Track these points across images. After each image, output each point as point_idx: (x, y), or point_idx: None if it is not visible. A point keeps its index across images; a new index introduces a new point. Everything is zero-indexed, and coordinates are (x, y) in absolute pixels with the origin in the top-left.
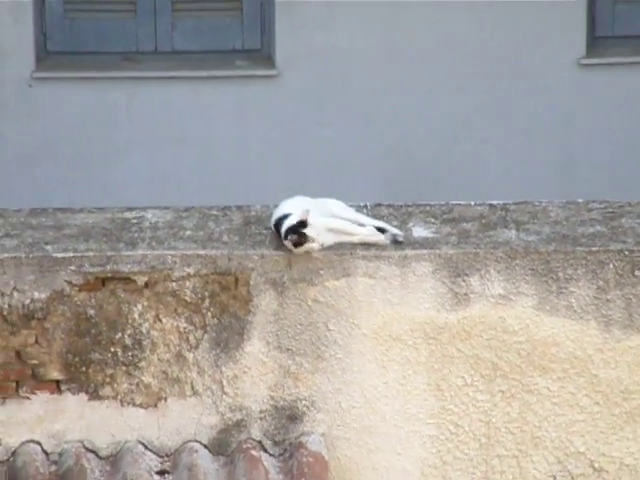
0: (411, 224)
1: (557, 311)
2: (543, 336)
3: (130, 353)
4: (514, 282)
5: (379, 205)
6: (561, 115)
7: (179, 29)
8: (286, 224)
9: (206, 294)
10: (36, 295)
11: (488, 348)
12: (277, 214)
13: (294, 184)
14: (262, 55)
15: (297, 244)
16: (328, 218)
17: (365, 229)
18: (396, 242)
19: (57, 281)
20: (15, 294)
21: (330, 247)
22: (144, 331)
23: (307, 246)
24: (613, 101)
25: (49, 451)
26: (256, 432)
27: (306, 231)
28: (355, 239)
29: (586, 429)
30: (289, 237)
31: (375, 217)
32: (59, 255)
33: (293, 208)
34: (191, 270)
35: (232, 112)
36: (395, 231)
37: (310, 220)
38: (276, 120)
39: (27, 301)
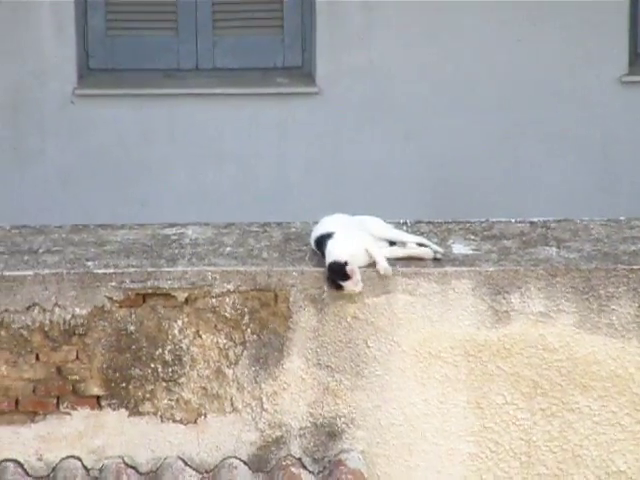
0: (451, 241)
1: (598, 329)
2: (584, 354)
3: (170, 369)
4: (555, 300)
5: (419, 222)
6: (603, 132)
7: (220, 46)
8: (329, 256)
9: (246, 310)
10: (77, 311)
11: (528, 366)
12: (318, 231)
13: (334, 201)
14: (303, 72)
15: (336, 288)
16: (369, 243)
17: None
18: (435, 259)
19: (98, 297)
20: (56, 310)
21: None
22: (184, 347)
23: (347, 290)
24: None
25: (89, 467)
26: (295, 449)
27: (346, 282)
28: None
29: (627, 448)
30: (328, 282)
31: (415, 234)
32: (100, 271)
33: (335, 226)
34: (231, 286)
35: (272, 129)
36: (435, 247)
37: (351, 266)
38: (316, 137)
39: (68, 317)
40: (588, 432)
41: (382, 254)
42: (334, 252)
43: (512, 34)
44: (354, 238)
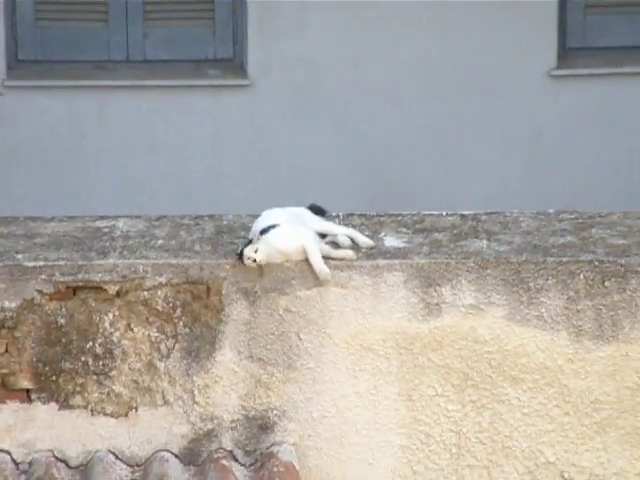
0: (383, 234)
1: (528, 321)
2: (514, 346)
3: (101, 362)
4: (485, 292)
5: (351, 215)
6: (532, 126)
7: (151, 38)
8: (271, 233)
9: (178, 303)
10: (6, 304)
11: (459, 358)
12: (262, 224)
13: (266, 193)
14: (234, 64)
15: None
16: (310, 241)
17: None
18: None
19: (28, 290)
20: None
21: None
22: (115, 340)
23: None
24: (584, 112)
25: (19, 460)
26: (227, 442)
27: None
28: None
29: (556, 439)
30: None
31: (347, 227)
32: (30, 264)
33: (279, 219)
34: (163, 279)
35: (204, 121)
36: (365, 240)
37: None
38: (248, 129)
39: None
40: (518, 423)
41: (319, 258)
42: (276, 239)
43: (442, 26)
44: (298, 232)
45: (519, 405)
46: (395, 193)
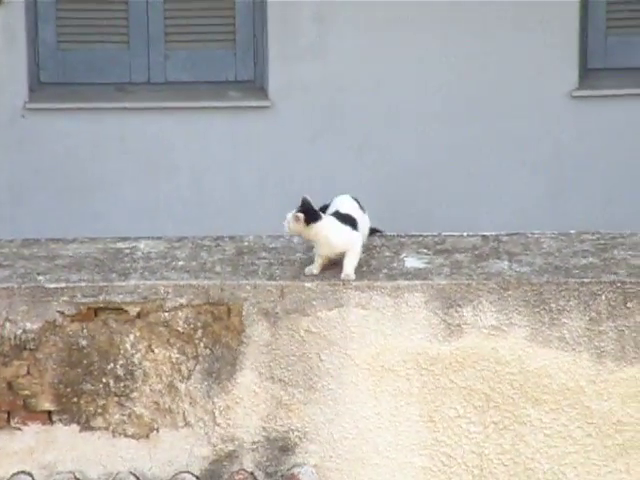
0: (404, 255)
1: (549, 342)
2: (535, 367)
3: (122, 384)
4: (507, 313)
5: (372, 235)
6: (553, 146)
7: (172, 60)
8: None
9: (198, 324)
10: (28, 326)
11: (481, 379)
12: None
13: (286, 214)
14: (255, 86)
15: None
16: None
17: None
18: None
19: (49, 311)
20: (7, 325)
21: (323, 277)
22: (136, 361)
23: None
24: (605, 133)
25: None
26: (248, 463)
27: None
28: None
29: (579, 461)
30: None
31: (367, 248)
32: (51, 285)
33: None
34: (183, 300)
35: (225, 143)
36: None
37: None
38: (269, 151)
39: (19, 332)
40: (540, 445)
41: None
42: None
43: (464, 49)
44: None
45: (541, 426)
46: (415, 215)
